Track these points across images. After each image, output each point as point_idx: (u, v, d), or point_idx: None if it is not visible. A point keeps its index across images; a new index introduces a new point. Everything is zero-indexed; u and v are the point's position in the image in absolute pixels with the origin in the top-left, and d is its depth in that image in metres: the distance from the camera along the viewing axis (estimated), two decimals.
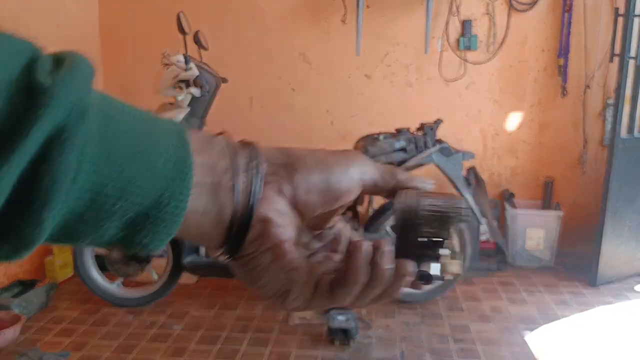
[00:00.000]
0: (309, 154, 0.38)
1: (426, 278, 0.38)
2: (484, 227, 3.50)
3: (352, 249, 0.37)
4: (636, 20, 2.99)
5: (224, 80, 2.93)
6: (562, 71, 3.52)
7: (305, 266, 0.37)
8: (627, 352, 2.50)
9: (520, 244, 3.48)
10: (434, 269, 0.38)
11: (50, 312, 2.89)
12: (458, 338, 2.62)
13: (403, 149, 2.78)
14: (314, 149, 0.40)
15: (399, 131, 2.87)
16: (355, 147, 2.93)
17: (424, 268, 0.38)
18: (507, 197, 3.64)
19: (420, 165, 2.85)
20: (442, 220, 0.38)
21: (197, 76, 2.70)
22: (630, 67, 3.03)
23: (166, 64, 2.72)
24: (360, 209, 3.07)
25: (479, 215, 2.94)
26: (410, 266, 0.37)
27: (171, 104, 2.78)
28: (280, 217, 0.36)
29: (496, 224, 3.44)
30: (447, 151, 2.83)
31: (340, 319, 2.57)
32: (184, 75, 2.68)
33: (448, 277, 0.40)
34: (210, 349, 2.52)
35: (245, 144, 0.38)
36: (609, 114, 3.47)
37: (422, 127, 2.88)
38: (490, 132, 3.70)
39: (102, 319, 2.81)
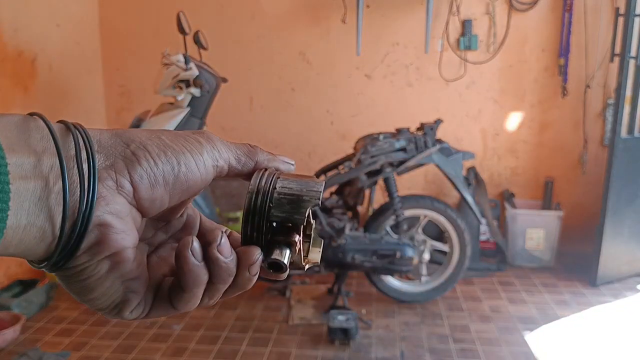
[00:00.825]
0: (151, 140, 0.32)
1: (277, 267, 0.34)
2: (484, 227, 3.51)
3: (179, 249, 0.32)
4: (636, 20, 2.99)
5: (224, 80, 2.93)
6: (563, 71, 3.52)
7: (146, 274, 0.33)
8: (627, 351, 2.50)
9: (520, 244, 3.47)
10: (287, 256, 0.34)
11: (50, 312, 2.89)
12: (458, 338, 2.62)
13: (403, 149, 2.78)
14: (157, 130, 0.34)
15: (399, 131, 2.87)
16: (355, 147, 2.93)
17: (276, 256, 0.34)
18: (507, 197, 3.64)
19: (420, 165, 2.85)
20: (296, 203, 0.34)
21: (197, 76, 2.70)
22: (631, 67, 3.02)
23: (166, 64, 2.72)
24: (361, 208, 3.07)
25: (479, 215, 2.94)
26: (255, 254, 0.33)
27: (171, 104, 2.78)
28: (119, 220, 0.30)
29: (496, 224, 3.45)
30: (447, 151, 2.83)
31: (340, 319, 2.57)
32: (184, 75, 2.68)
33: (307, 265, 0.36)
34: (210, 349, 2.52)
35: (70, 127, 0.31)
36: (609, 113, 3.47)
37: (422, 127, 2.88)
38: (491, 132, 3.70)
39: (102, 319, 2.81)
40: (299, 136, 3.80)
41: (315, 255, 0.37)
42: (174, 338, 2.62)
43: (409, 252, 2.72)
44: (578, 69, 3.52)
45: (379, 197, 3.25)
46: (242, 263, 0.33)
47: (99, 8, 3.84)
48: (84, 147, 0.30)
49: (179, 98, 2.73)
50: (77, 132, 0.31)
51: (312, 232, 0.37)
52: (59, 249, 0.29)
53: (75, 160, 0.29)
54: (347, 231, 2.73)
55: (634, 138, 3.13)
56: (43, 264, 0.30)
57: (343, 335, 2.54)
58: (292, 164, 0.39)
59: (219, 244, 0.32)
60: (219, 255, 0.32)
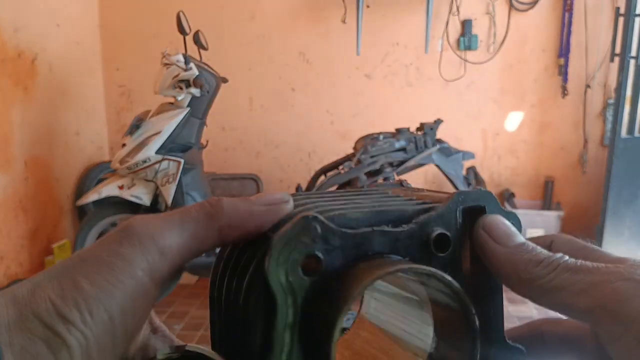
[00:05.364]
0: (65, 295, 0.23)
1: None
2: None
3: None
4: (637, 20, 2.99)
5: (224, 80, 2.93)
6: (563, 71, 3.52)
7: None
8: None
9: None
10: None
11: None
12: None
13: (403, 149, 2.78)
14: (67, 271, 0.24)
15: (399, 131, 2.87)
16: (355, 147, 2.93)
17: None
18: (507, 197, 3.64)
19: (420, 165, 2.85)
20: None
21: (197, 76, 2.70)
22: (631, 67, 3.02)
23: (166, 64, 2.72)
24: None
25: None
26: None
27: (171, 104, 2.78)
28: None
29: None
30: (447, 151, 2.83)
31: None
32: (184, 75, 2.68)
33: None
34: None
35: None
36: (609, 113, 3.47)
37: (422, 127, 2.88)
38: (491, 132, 3.70)
39: None
40: (299, 136, 3.80)
41: None
42: None
43: None
44: (578, 69, 3.52)
45: None
46: None
47: (99, 8, 3.84)
48: None
49: (179, 98, 2.73)
50: None
51: None
52: None
53: None
54: None
55: (634, 138, 3.13)
56: None
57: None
58: (287, 201, 0.27)
59: None
60: None
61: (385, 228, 0.27)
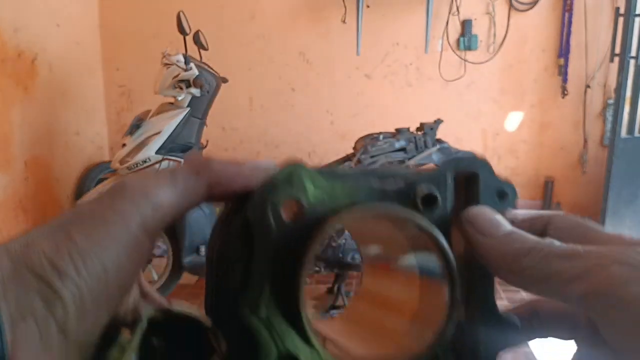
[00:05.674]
0: (60, 250, 0.23)
1: None
2: None
3: None
4: (637, 20, 2.99)
5: (224, 80, 2.93)
6: (563, 71, 3.52)
7: None
8: None
9: None
10: None
11: None
12: None
13: (403, 149, 2.78)
14: (61, 225, 0.24)
15: (399, 131, 2.87)
16: (355, 147, 2.93)
17: None
18: None
19: (420, 165, 2.85)
20: None
21: (197, 76, 2.70)
22: (631, 67, 3.02)
23: (166, 64, 2.72)
24: None
25: None
26: None
27: (171, 104, 2.78)
28: None
29: None
30: (447, 151, 2.83)
31: None
32: (184, 75, 2.68)
33: None
34: None
35: None
36: (609, 113, 3.47)
37: (422, 127, 2.88)
38: (491, 132, 3.71)
39: None
40: (299, 136, 3.80)
41: None
42: None
43: None
44: (578, 69, 3.52)
45: None
46: None
47: (99, 8, 3.84)
48: None
49: (179, 98, 2.74)
50: None
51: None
52: None
53: None
54: (347, 231, 2.73)
55: (634, 138, 3.13)
56: None
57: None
58: (272, 165, 0.27)
59: None
60: None
61: (372, 182, 0.27)
